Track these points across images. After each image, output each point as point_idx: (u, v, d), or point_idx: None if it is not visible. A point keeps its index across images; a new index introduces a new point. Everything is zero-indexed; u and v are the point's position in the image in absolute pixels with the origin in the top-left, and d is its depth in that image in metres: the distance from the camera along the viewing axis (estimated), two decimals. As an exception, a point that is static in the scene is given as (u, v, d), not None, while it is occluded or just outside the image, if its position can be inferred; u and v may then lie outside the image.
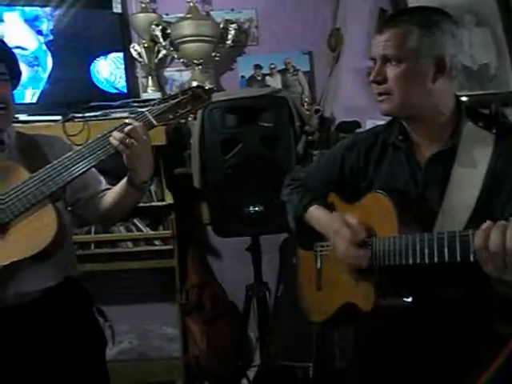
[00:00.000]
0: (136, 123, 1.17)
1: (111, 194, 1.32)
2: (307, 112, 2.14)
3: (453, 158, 1.11)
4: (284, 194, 1.38)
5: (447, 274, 1.03)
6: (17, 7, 2.21)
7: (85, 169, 1.22)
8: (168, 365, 2.46)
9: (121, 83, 2.36)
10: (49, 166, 1.21)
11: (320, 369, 1.56)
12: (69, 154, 1.22)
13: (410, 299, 1.10)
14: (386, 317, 1.14)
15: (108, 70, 2.33)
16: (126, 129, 1.16)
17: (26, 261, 1.16)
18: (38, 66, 2.22)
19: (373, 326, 1.19)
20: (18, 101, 1.35)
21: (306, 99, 2.34)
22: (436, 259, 0.96)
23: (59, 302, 1.26)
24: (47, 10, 2.24)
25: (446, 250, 0.94)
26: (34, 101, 2.22)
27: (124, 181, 1.27)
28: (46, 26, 2.25)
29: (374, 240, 1.13)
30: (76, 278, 1.36)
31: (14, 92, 1.31)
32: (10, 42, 1.36)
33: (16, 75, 1.28)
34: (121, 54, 2.35)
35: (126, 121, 1.18)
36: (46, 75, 2.23)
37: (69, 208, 1.34)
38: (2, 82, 1.22)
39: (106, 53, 2.32)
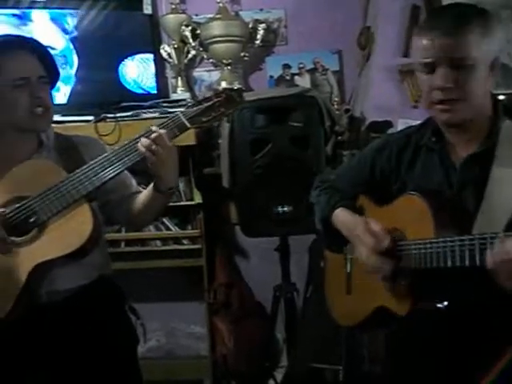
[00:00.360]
0: (161, 130, 1.19)
1: (140, 197, 1.34)
2: (337, 112, 2.13)
3: (490, 159, 1.08)
4: (313, 195, 1.37)
5: (487, 277, 0.98)
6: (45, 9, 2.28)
7: (120, 170, 1.24)
8: (196, 363, 2.50)
9: (148, 84, 2.40)
10: (85, 166, 1.24)
11: (350, 372, 1.55)
12: (105, 154, 1.25)
13: (445, 303, 1.08)
14: (420, 320, 1.12)
15: (136, 71, 2.38)
16: (152, 135, 1.18)
17: (61, 259, 1.20)
18: (65, 64, 2.28)
19: (406, 329, 1.18)
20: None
21: (336, 99, 2.33)
22: (478, 262, 0.94)
23: (92, 300, 1.29)
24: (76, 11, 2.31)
25: (489, 252, 0.92)
26: (65, 101, 2.28)
27: (151, 186, 1.29)
28: (71, 24, 2.30)
29: (405, 243, 1.11)
30: (109, 276, 1.39)
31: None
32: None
33: (54, 77, 1.32)
34: (148, 55, 2.39)
35: (152, 128, 1.20)
36: (73, 72, 2.29)
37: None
38: (42, 85, 1.26)
39: (134, 54, 2.36)
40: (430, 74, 1.07)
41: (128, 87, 2.37)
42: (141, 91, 2.39)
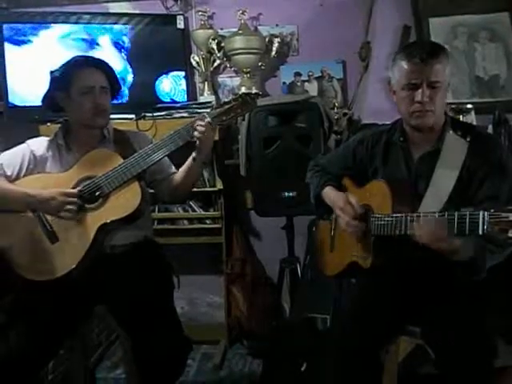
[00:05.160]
0: (209, 119, 1.57)
1: (179, 173, 1.70)
2: (337, 115, 2.46)
3: (437, 158, 1.42)
4: (308, 176, 1.73)
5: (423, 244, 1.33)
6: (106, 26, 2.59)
7: (161, 156, 1.62)
8: (213, 327, 2.78)
9: (179, 98, 2.66)
10: (136, 153, 1.62)
11: (335, 317, 1.91)
12: (150, 145, 1.64)
13: (396, 261, 1.43)
14: (379, 273, 1.48)
15: (169, 86, 2.66)
16: (206, 121, 1.56)
17: (119, 221, 1.57)
18: (124, 84, 2.54)
19: (370, 279, 1.53)
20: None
21: (336, 104, 2.57)
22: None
23: (141, 254, 1.66)
24: (127, 26, 2.65)
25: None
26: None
27: (188, 162, 1.65)
28: (126, 40, 2.64)
29: (372, 215, 1.46)
30: (152, 238, 1.77)
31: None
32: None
33: (116, 89, 1.69)
34: (180, 73, 2.65)
35: (204, 115, 1.58)
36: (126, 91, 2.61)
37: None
38: (103, 93, 1.63)
39: (169, 69, 2.64)
40: (412, 90, 1.38)
41: (162, 99, 2.64)
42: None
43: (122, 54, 2.65)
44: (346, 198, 1.51)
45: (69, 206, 1.55)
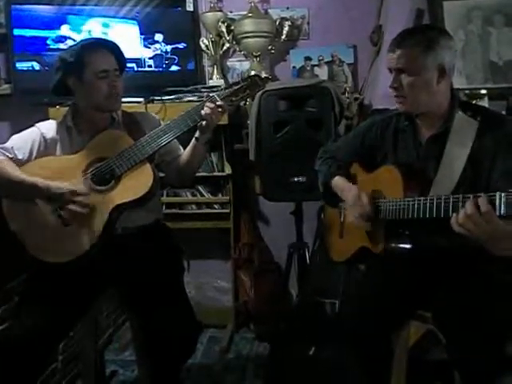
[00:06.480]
0: (222, 102, 1.58)
1: (185, 153, 1.71)
2: (347, 99, 2.43)
3: (446, 139, 1.40)
4: (317, 164, 1.73)
5: (436, 229, 1.33)
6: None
7: (172, 138, 1.62)
8: (221, 311, 2.79)
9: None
10: (146, 135, 1.61)
11: (344, 302, 1.91)
12: (160, 127, 1.63)
13: (409, 246, 1.43)
14: (391, 258, 1.47)
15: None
16: (217, 103, 1.57)
17: (131, 203, 1.57)
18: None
19: (381, 264, 1.53)
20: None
21: (348, 88, 2.55)
22: (434, 214, 1.25)
23: (152, 236, 1.67)
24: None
25: (442, 207, 1.23)
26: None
27: (192, 141, 1.67)
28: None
29: (383, 201, 1.46)
30: (162, 220, 1.78)
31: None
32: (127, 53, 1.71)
33: (123, 68, 1.68)
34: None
35: (216, 98, 1.59)
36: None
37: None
38: (117, 76, 1.61)
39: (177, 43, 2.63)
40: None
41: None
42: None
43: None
44: (357, 195, 1.49)
45: (77, 203, 1.52)
